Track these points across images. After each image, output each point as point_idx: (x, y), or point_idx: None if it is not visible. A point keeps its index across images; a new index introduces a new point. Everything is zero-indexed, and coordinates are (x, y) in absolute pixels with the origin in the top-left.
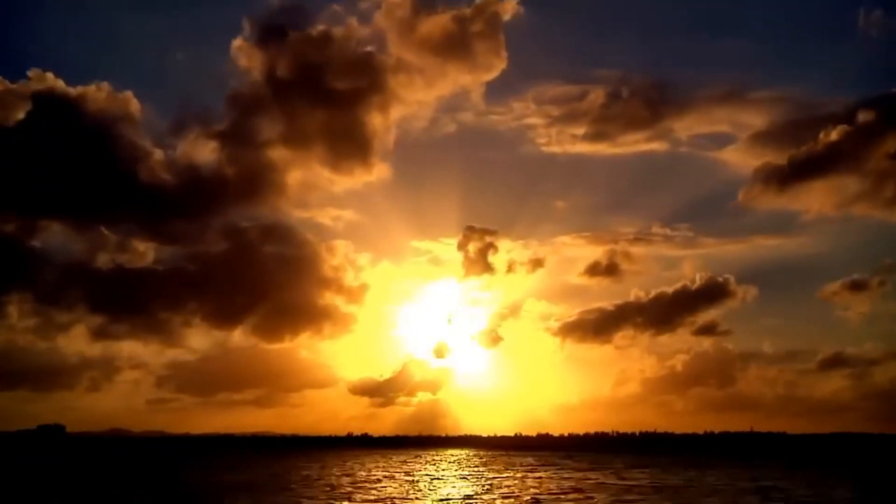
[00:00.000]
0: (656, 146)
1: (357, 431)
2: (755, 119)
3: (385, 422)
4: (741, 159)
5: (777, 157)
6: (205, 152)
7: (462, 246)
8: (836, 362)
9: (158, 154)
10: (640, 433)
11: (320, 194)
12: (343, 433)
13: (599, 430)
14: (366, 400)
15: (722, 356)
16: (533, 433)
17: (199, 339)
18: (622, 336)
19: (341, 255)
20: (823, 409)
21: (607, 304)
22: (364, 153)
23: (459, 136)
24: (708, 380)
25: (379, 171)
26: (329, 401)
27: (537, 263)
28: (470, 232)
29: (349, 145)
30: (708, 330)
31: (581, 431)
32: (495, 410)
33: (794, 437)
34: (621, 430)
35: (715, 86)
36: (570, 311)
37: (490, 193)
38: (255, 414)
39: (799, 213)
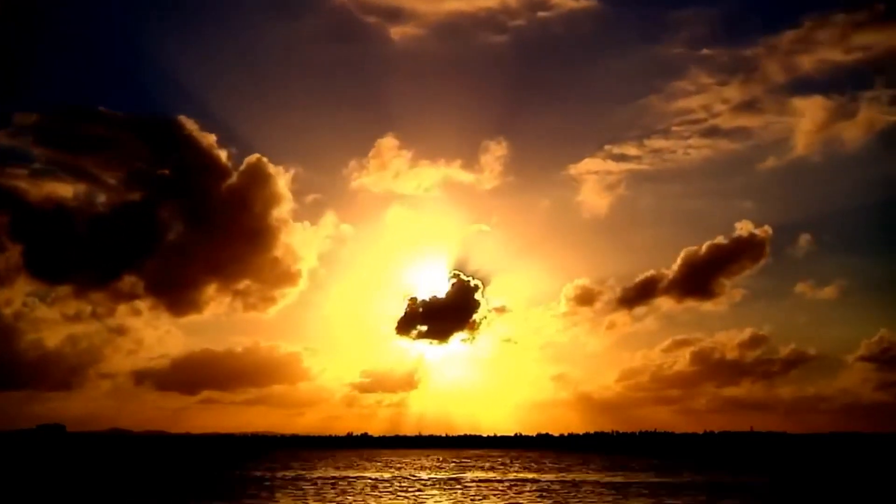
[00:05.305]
0: None
1: (357, 431)
2: None
3: (384, 421)
4: None
5: None
6: None
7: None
8: None
9: None
10: (640, 432)
11: None
12: (343, 433)
13: (600, 429)
14: (358, 395)
15: None
16: (532, 433)
17: None
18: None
19: None
20: None
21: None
22: None
23: None
24: None
25: None
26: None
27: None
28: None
29: None
30: None
31: (581, 431)
32: (492, 407)
33: (794, 437)
34: (621, 430)
35: None
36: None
37: None
38: (251, 413)
39: None
